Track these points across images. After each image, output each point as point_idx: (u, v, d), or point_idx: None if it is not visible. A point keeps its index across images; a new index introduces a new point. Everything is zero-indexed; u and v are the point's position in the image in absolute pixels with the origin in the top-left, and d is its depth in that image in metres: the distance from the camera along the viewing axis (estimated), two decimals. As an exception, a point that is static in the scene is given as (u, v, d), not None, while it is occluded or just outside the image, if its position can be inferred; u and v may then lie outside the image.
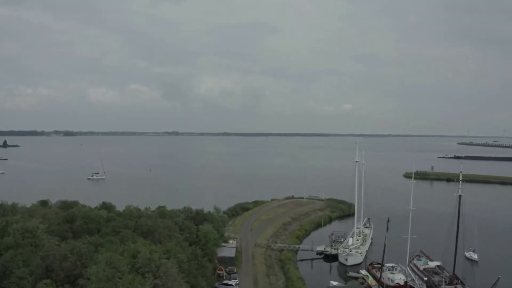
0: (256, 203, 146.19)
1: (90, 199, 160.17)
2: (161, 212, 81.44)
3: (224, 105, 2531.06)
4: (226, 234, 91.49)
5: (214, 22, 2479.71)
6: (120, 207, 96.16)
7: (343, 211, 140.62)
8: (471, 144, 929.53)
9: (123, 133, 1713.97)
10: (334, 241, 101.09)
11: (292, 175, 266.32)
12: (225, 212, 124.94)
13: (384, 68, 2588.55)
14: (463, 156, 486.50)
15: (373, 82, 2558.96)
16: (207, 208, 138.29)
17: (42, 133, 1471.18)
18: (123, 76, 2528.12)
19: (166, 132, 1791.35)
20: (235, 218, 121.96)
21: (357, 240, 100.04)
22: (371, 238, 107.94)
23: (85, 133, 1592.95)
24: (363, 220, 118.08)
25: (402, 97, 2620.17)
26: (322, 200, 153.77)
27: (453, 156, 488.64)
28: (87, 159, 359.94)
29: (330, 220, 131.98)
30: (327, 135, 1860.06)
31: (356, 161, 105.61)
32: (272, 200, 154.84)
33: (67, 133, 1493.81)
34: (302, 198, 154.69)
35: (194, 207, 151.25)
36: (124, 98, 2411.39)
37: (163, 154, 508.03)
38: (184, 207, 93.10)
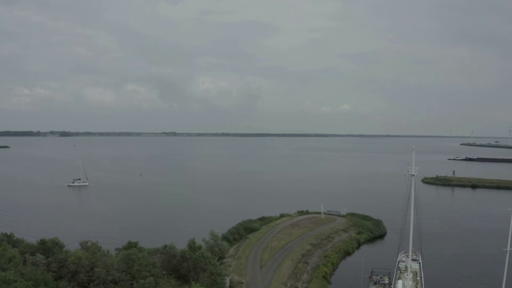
0: (263, 221, 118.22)
1: (58, 216, 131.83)
2: (128, 257, 53.38)
3: (221, 105, 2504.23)
4: (227, 283, 63.13)
5: (211, 22, 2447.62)
6: (76, 238, 68.20)
7: (371, 232, 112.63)
8: (474, 145, 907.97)
9: (120, 134, 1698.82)
10: (376, 283, 73.42)
11: (298, 182, 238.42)
12: (224, 237, 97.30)
13: (383, 67, 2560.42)
14: (475, 158, 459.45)
15: (371, 82, 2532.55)
16: (202, 230, 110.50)
17: (38, 134, 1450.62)
18: (120, 76, 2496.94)
19: (164, 133, 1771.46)
20: (238, 245, 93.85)
21: (410, 284, 71.95)
22: (422, 277, 79.75)
23: (82, 134, 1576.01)
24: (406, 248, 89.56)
25: (401, 97, 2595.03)
26: (343, 216, 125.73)
27: (464, 158, 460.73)
28: (75, 162, 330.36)
29: (359, 244, 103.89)
30: (325, 135, 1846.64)
31: (413, 175, 77.05)
32: (281, 215, 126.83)
33: (63, 134, 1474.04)
34: (319, 213, 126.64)
35: (186, 224, 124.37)
36: (121, 98, 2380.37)
37: (158, 156, 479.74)
38: (165, 246, 64.55)
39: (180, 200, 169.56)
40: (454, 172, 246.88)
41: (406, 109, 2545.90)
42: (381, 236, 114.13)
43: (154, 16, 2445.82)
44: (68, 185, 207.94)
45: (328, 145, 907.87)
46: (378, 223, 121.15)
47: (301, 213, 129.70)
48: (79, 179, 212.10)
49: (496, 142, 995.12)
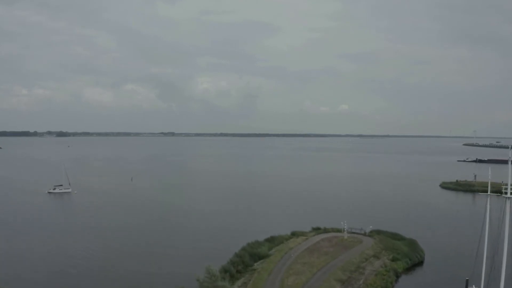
0: (272, 242, 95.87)
1: (18, 238, 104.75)
2: None
3: (220, 105, 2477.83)
4: None
5: (211, 22, 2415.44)
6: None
7: (408, 257, 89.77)
8: (477, 145, 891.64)
9: (118, 134, 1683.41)
10: None
11: (304, 185, 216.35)
12: (225, 269, 75.01)
13: (383, 67, 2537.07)
14: (486, 159, 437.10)
15: (371, 82, 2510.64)
16: (196, 256, 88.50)
17: (35, 134, 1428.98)
18: (119, 76, 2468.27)
19: (162, 133, 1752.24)
20: (243, 281, 71.59)
21: None
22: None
23: (80, 134, 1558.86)
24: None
25: (401, 97, 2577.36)
26: (369, 235, 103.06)
27: (474, 159, 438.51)
28: (65, 164, 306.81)
29: (397, 277, 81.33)
30: (325, 135, 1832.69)
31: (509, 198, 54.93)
32: (293, 234, 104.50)
33: (61, 134, 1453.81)
34: (339, 231, 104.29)
35: (175, 250, 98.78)
36: (119, 98, 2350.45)
37: (155, 157, 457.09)
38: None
39: (172, 212, 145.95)
40: (475, 176, 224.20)
41: (406, 109, 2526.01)
42: (420, 262, 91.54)
43: (154, 16, 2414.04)
44: (49, 192, 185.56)
45: (328, 145, 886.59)
46: (412, 244, 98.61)
47: (317, 231, 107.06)
48: (61, 185, 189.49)
49: (497, 142, 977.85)
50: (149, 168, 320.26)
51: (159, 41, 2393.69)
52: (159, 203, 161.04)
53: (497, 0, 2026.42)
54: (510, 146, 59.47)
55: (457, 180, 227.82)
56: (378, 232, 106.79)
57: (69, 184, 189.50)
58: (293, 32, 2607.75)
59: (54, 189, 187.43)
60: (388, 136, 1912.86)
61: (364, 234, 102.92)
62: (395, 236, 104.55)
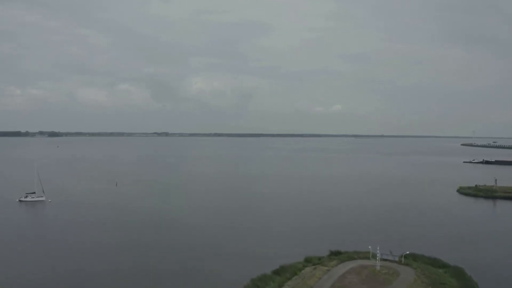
0: (282, 275, 73.48)
1: None
2: None
3: (215, 105, 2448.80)
4: None
5: (210, 22, 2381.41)
6: None
7: (464, 297, 68.12)
8: (475, 145, 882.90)
9: (111, 134, 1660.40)
10: None
11: (309, 192, 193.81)
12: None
13: (382, 68, 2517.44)
14: (493, 160, 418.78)
15: (371, 82, 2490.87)
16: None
17: (26, 134, 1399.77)
18: (114, 76, 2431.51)
19: (156, 133, 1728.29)
20: None
21: None
22: None
23: (72, 134, 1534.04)
24: None
25: (400, 98, 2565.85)
26: (405, 263, 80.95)
27: (481, 160, 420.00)
28: (51, 167, 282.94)
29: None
30: (320, 135, 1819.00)
31: None
32: (308, 260, 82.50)
33: (52, 134, 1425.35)
34: (367, 257, 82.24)
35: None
36: (113, 98, 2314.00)
37: (145, 158, 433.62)
38: None
39: (154, 230, 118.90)
40: (496, 180, 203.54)
41: (405, 109, 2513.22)
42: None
43: (149, 15, 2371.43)
44: (20, 200, 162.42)
45: (326, 146, 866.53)
46: (460, 274, 76.82)
47: (338, 257, 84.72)
48: (34, 192, 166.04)
49: (494, 142, 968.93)
50: (138, 171, 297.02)
51: (154, 41, 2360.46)
52: (141, 218, 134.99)
53: (497, 0, 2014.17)
54: None
55: (476, 185, 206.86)
56: (414, 257, 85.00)
57: (43, 191, 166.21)
58: (292, 32, 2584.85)
59: (26, 197, 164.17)
60: (383, 136, 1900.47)
61: (399, 262, 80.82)
62: (436, 263, 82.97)
